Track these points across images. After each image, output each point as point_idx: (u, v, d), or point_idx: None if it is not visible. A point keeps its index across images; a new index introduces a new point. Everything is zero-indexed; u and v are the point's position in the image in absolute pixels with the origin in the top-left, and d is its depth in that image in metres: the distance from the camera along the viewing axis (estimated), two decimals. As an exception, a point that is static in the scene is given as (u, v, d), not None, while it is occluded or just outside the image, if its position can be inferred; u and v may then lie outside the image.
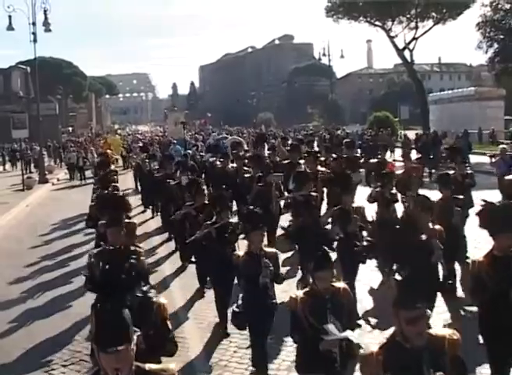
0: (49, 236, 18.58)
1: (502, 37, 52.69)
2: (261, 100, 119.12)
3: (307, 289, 5.87)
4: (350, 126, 67.51)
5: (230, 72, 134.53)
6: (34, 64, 37.90)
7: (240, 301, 7.58)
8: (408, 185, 12.37)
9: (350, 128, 63.16)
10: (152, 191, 17.76)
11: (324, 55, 70.70)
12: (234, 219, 10.17)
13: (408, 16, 55.01)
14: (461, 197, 11.13)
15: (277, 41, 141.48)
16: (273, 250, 7.81)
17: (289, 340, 7.37)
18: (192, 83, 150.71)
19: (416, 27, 55.38)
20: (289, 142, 23.13)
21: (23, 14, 33.45)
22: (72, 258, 15.29)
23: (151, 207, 20.27)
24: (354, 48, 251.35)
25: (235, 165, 17.01)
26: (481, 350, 6.70)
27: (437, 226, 8.35)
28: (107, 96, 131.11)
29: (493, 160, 20.76)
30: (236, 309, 7.56)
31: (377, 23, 56.06)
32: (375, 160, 16.98)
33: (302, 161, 16.82)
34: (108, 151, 30.23)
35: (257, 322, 7.51)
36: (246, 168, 15.85)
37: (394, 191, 12.11)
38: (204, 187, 11.83)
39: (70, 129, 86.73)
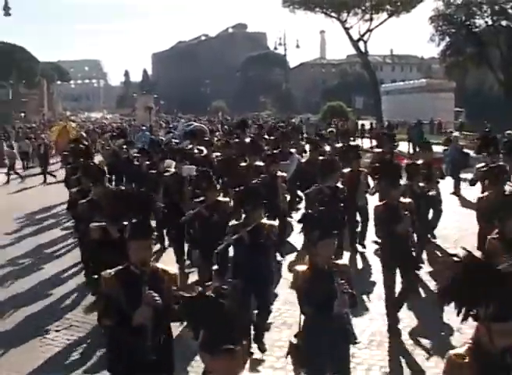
0: (16, 234, 15.88)
1: (453, 30, 53.14)
2: (215, 88, 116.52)
3: None
4: (303, 115, 65.87)
5: (183, 60, 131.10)
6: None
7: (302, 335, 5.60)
8: (429, 177, 10.79)
9: (302, 117, 61.73)
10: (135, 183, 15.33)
11: (280, 44, 68.92)
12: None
13: (363, 8, 54.15)
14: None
15: (230, 30, 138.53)
16: (345, 263, 5.86)
17: None
18: (145, 71, 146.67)
19: (371, 19, 54.61)
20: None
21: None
22: (45, 259, 13.13)
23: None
24: (307, 39, 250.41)
25: (218, 153, 15.11)
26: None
27: None
28: (58, 82, 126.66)
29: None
30: (295, 341, 5.62)
31: (332, 14, 54.86)
32: (380, 150, 15.27)
33: (293, 150, 15.18)
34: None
35: (325, 365, 5.50)
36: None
37: (422, 183, 10.41)
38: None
39: (22, 115, 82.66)
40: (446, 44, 53.86)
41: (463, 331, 8.20)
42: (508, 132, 24.77)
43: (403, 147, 34.68)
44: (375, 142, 29.63)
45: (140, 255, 5.15)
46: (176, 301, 4.95)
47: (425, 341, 7.94)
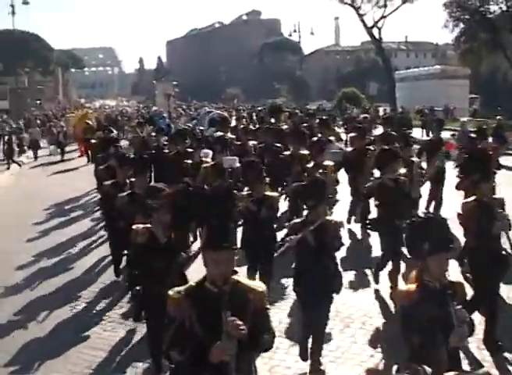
0: (45, 225, 14.89)
1: (467, 17, 52.13)
2: (229, 75, 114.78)
3: None
4: (316, 102, 64.60)
5: (198, 47, 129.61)
6: (1, 36, 34.32)
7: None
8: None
9: (316, 104, 60.43)
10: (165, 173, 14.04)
11: (294, 31, 67.50)
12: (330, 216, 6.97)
13: (377, -6, 52.48)
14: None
15: (245, 17, 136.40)
16: (460, 281, 4.61)
17: None
18: (159, 58, 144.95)
19: (385, 5, 53.00)
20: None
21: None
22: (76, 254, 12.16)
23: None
24: (322, 25, 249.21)
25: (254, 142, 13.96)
26: None
27: None
28: (72, 70, 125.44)
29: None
30: None
31: (346, 0, 53.41)
32: (428, 138, 14.13)
33: (332, 137, 14.07)
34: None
35: None
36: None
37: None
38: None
39: (38, 102, 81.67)
40: (460, 31, 53.05)
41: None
42: (498, 117, 23.68)
43: (417, 133, 34.11)
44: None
45: (220, 270, 3.93)
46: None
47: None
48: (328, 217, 6.56)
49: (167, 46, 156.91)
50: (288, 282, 8.73)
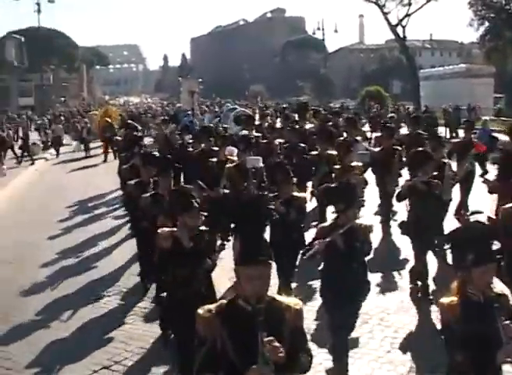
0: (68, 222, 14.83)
1: (493, 15, 51.62)
2: (253, 73, 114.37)
3: None
4: (340, 100, 64.19)
5: (222, 44, 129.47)
6: (27, 34, 34.54)
7: None
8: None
9: (339, 102, 60.03)
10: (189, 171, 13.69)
11: (318, 29, 67.16)
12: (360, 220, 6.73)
13: (402, -8, 52.03)
14: None
15: (269, 15, 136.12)
16: (504, 292, 4.34)
17: None
18: (183, 55, 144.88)
19: (409, 4, 52.55)
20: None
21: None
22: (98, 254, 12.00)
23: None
24: (346, 23, 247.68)
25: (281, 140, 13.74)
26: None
27: None
28: (97, 67, 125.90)
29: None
30: None
31: (371, -2, 53.02)
32: (459, 140, 13.78)
33: (358, 137, 13.81)
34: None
35: None
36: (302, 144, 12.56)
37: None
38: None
39: (63, 99, 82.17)
40: (486, 29, 52.66)
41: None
42: None
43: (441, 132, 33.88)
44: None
45: (254, 287, 3.60)
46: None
47: None
48: (357, 221, 6.35)
49: (191, 43, 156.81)
50: (313, 284, 8.67)
